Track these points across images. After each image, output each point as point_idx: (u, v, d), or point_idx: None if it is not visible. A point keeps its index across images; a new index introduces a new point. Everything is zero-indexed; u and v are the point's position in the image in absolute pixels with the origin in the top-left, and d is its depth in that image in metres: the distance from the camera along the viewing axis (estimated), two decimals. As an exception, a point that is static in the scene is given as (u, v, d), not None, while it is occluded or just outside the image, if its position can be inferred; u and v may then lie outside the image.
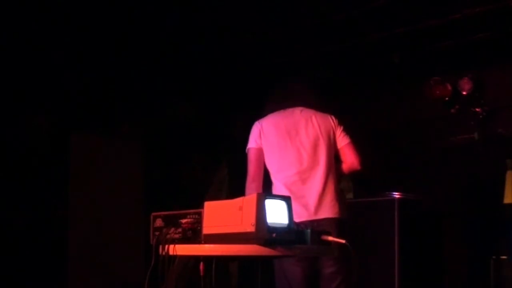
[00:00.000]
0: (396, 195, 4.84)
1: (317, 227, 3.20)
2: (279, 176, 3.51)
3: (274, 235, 2.34)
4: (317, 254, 3.14)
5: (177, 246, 2.48)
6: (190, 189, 5.48)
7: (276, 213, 2.43)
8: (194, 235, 2.48)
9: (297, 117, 3.58)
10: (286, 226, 2.45)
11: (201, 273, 2.58)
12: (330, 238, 2.58)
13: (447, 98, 5.39)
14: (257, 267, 3.28)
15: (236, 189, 3.65)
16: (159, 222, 2.63)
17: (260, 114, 3.74)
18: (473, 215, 5.14)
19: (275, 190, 3.48)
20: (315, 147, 3.50)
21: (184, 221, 2.52)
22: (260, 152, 3.53)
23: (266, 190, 3.59)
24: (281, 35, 4.98)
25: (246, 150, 3.59)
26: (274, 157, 3.52)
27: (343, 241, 2.59)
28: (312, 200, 3.44)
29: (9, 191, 4.60)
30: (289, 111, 3.61)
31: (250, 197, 2.38)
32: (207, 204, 2.50)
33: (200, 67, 5.46)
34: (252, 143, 3.55)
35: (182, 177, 5.66)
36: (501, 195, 4.91)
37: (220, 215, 2.44)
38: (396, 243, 4.72)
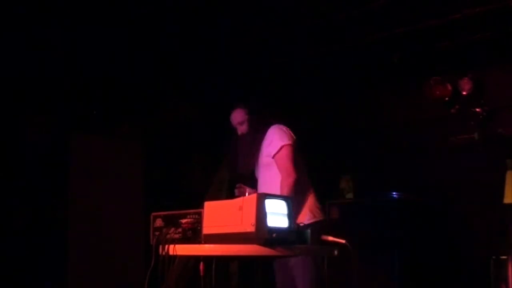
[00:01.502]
0: (396, 195, 4.84)
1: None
2: (305, 177, 3.70)
3: (274, 235, 2.35)
4: (317, 254, 3.15)
5: (177, 246, 2.48)
6: (190, 189, 5.47)
7: (276, 213, 2.43)
8: (194, 235, 2.48)
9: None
10: (286, 226, 2.45)
11: (201, 273, 2.58)
12: (330, 238, 2.59)
13: (447, 98, 5.38)
14: (257, 267, 3.29)
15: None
16: (159, 222, 2.63)
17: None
18: (473, 215, 5.14)
19: (309, 189, 3.66)
20: None
21: (184, 221, 2.52)
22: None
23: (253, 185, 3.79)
24: (281, 35, 4.97)
25: (282, 145, 3.60)
26: (300, 159, 3.69)
27: (343, 241, 2.60)
28: None
29: (9, 191, 4.60)
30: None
31: (250, 197, 2.38)
32: (207, 204, 2.51)
33: (200, 67, 5.46)
34: (292, 141, 3.64)
35: (182, 177, 5.65)
36: (501, 195, 4.91)
37: (220, 215, 2.44)
38: (396, 243, 4.72)
